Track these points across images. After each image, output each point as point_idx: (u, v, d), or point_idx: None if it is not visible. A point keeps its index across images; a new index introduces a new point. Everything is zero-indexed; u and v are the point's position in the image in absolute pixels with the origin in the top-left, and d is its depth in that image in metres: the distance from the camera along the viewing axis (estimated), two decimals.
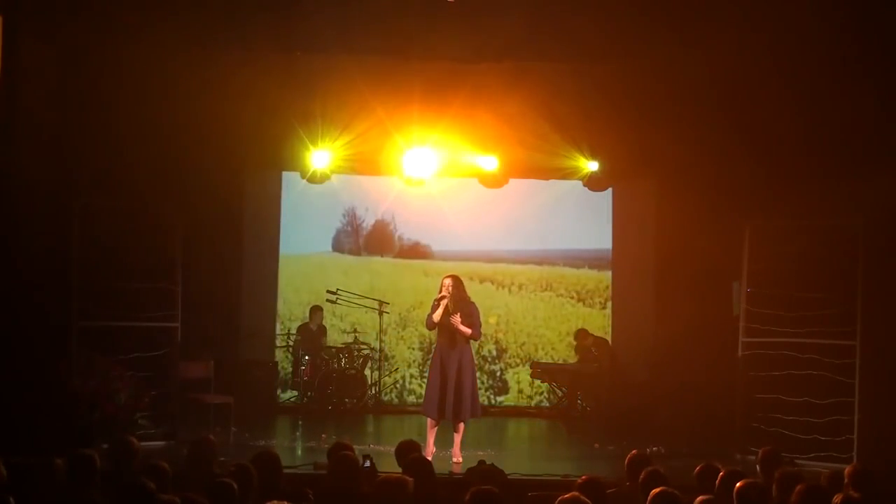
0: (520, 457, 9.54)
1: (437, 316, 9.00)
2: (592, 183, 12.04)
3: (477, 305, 9.29)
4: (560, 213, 13.08)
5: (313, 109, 10.85)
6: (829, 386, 9.21)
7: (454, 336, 8.99)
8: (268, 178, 12.79)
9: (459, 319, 8.92)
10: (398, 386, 12.90)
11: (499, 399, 13.00)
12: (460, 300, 9.05)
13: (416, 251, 13.20)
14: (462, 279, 9.29)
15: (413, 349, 13.04)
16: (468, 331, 9.00)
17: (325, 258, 13.15)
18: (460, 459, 8.98)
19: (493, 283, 13.16)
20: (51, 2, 8.95)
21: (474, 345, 9.42)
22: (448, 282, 9.09)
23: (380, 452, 8.26)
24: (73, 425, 8.78)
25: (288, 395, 12.45)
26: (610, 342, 12.68)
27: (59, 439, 8.26)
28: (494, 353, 13.10)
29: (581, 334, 12.49)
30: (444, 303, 8.98)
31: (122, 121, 9.68)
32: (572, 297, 13.19)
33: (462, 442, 9.13)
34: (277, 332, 12.78)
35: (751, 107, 9.86)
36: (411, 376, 12.94)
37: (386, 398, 12.67)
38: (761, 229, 9.81)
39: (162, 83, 9.59)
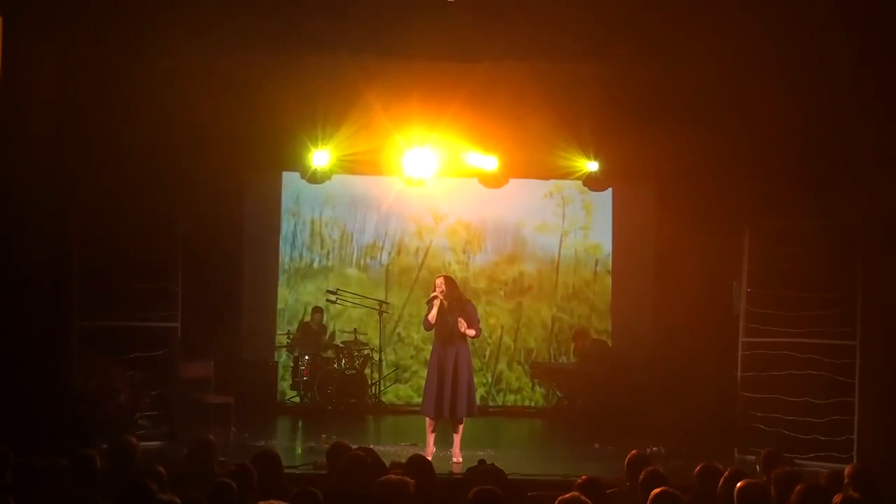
0: (520, 457, 9.53)
1: (432, 316, 9.02)
2: (592, 183, 12.03)
3: (473, 305, 9.31)
4: (560, 213, 13.09)
5: (313, 109, 10.85)
6: (829, 386, 9.21)
7: (451, 335, 8.99)
8: (268, 178, 12.80)
9: (465, 325, 8.92)
10: (397, 386, 12.89)
11: (498, 399, 13.01)
12: (455, 299, 9.05)
13: (415, 249, 13.20)
14: (454, 279, 9.32)
15: (412, 349, 13.03)
16: (472, 332, 9.01)
17: (325, 258, 13.14)
18: (460, 459, 8.99)
19: (492, 282, 13.16)
20: (51, 2, 8.94)
21: (473, 343, 9.43)
22: (440, 281, 9.11)
23: (380, 452, 8.23)
24: (73, 425, 8.77)
25: (288, 395, 12.45)
26: (609, 343, 12.69)
27: (59, 439, 8.27)
28: (494, 352, 13.10)
29: (579, 335, 12.49)
30: (437, 302, 8.99)
31: (122, 121, 9.67)
32: (571, 297, 13.18)
33: (462, 442, 9.13)
34: (277, 332, 12.78)
35: (751, 107, 9.86)
36: (411, 375, 12.93)
37: (386, 398, 12.67)
38: (761, 229, 9.81)
39: (162, 83, 9.58)
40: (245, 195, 12.57)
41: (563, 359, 12.97)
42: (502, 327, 13.11)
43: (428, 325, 9.14)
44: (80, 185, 9.64)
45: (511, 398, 13.01)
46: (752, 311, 9.77)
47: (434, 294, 9.07)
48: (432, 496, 5.48)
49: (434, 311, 9.00)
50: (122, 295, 9.44)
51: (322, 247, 13.12)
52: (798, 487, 4.88)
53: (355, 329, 12.57)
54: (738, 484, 5.00)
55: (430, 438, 9.08)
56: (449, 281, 9.16)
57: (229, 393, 10.33)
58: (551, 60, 9.96)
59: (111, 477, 5.45)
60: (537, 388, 12.89)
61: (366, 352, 12.42)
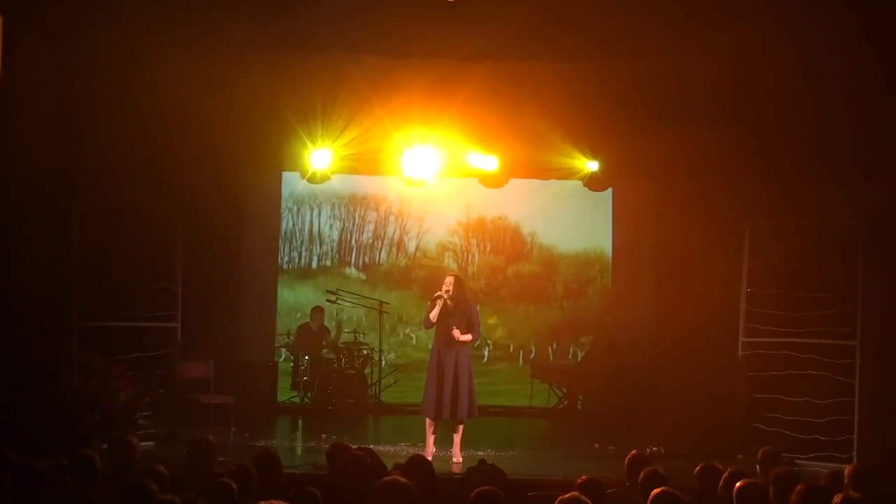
0: (520, 457, 9.54)
1: (433, 315, 9.00)
2: (592, 183, 12.03)
3: (476, 307, 9.31)
4: (560, 213, 13.10)
5: (313, 109, 10.84)
6: (829, 386, 9.22)
7: (452, 335, 8.98)
8: (268, 178, 12.80)
9: (459, 333, 8.91)
10: (397, 386, 12.89)
11: (498, 399, 12.99)
12: (461, 300, 9.04)
13: (415, 249, 13.21)
14: (462, 279, 9.31)
15: (411, 349, 13.04)
16: (468, 338, 9.01)
17: (324, 258, 13.15)
18: (460, 459, 8.99)
19: (491, 282, 13.16)
20: (51, 2, 8.94)
21: (472, 343, 9.43)
22: (449, 280, 9.08)
23: (380, 452, 8.24)
24: (73, 425, 8.77)
25: (288, 395, 12.45)
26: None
27: (58, 439, 8.27)
28: (494, 352, 13.11)
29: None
30: (440, 301, 8.97)
31: (122, 121, 9.67)
32: (571, 297, 13.19)
33: (462, 442, 9.13)
34: (277, 332, 12.78)
35: (751, 107, 9.87)
36: (409, 377, 12.93)
37: (386, 398, 12.66)
38: (761, 229, 9.81)
39: (162, 83, 9.58)
40: (245, 195, 12.55)
41: (564, 359, 12.97)
42: (502, 327, 13.11)
43: (428, 324, 9.11)
44: (80, 185, 9.64)
45: (511, 398, 13.00)
46: (752, 311, 9.77)
47: (439, 293, 9.05)
48: (432, 496, 5.47)
49: (436, 311, 8.98)
50: (122, 295, 9.44)
51: (321, 247, 13.12)
52: (798, 487, 4.87)
53: (355, 329, 12.57)
54: (738, 484, 5.00)
55: (430, 439, 9.08)
56: (458, 282, 9.12)
57: (229, 393, 10.32)
58: (551, 60, 9.96)
59: (111, 477, 5.45)
60: (537, 387, 12.87)
61: (365, 352, 12.42)
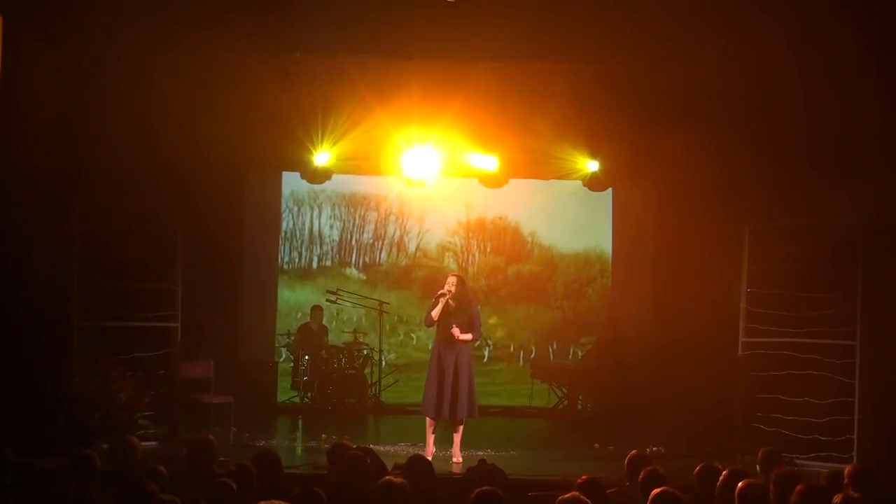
0: (520, 457, 9.54)
1: (435, 313, 9.00)
2: (592, 183, 12.02)
3: (478, 307, 9.31)
4: (560, 213, 13.09)
5: (313, 109, 10.84)
6: (829, 386, 9.22)
7: (452, 334, 8.98)
8: (268, 178, 12.81)
9: (459, 332, 8.92)
10: (397, 386, 12.90)
11: (498, 399, 13.00)
12: (462, 300, 9.04)
13: (415, 249, 13.21)
14: (465, 279, 9.32)
15: (411, 349, 13.04)
16: (468, 337, 9.01)
17: (324, 258, 13.16)
18: (460, 459, 8.99)
19: (491, 282, 13.17)
20: (51, 2, 8.94)
21: (472, 343, 9.44)
22: (452, 279, 9.09)
23: (380, 452, 8.24)
24: (72, 425, 8.77)
25: (288, 395, 12.46)
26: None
27: (58, 439, 8.27)
28: (494, 352, 13.10)
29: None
30: (442, 300, 8.98)
31: (122, 120, 9.67)
32: (571, 297, 13.19)
33: (462, 442, 9.13)
34: (277, 332, 12.78)
35: (751, 107, 9.87)
36: (409, 377, 12.94)
37: (386, 398, 12.67)
38: (761, 230, 9.82)
39: (162, 83, 9.58)
40: (245, 195, 12.56)
41: (565, 358, 12.97)
42: (502, 327, 13.11)
43: (429, 322, 9.12)
44: (80, 184, 9.64)
45: (511, 398, 13.00)
46: (752, 311, 9.77)
47: (442, 292, 9.06)
48: (432, 497, 5.47)
49: (438, 309, 8.99)
50: (122, 295, 9.44)
51: (321, 247, 13.13)
52: (798, 487, 4.87)
53: (355, 329, 12.57)
54: (739, 484, 5.00)
55: (430, 439, 9.08)
56: (460, 282, 9.13)
57: (229, 393, 10.32)
58: (551, 60, 9.96)
59: (111, 477, 5.45)
60: (537, 387, 12.88)
61: (365, 352, 12.42)
